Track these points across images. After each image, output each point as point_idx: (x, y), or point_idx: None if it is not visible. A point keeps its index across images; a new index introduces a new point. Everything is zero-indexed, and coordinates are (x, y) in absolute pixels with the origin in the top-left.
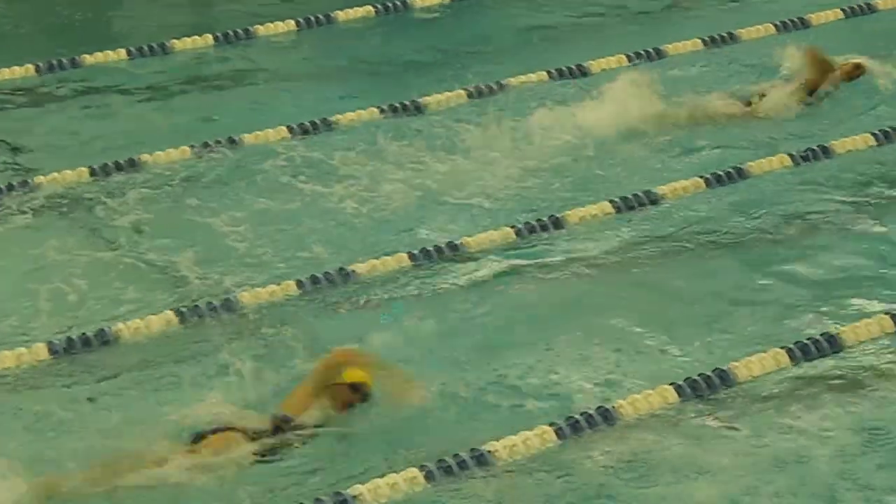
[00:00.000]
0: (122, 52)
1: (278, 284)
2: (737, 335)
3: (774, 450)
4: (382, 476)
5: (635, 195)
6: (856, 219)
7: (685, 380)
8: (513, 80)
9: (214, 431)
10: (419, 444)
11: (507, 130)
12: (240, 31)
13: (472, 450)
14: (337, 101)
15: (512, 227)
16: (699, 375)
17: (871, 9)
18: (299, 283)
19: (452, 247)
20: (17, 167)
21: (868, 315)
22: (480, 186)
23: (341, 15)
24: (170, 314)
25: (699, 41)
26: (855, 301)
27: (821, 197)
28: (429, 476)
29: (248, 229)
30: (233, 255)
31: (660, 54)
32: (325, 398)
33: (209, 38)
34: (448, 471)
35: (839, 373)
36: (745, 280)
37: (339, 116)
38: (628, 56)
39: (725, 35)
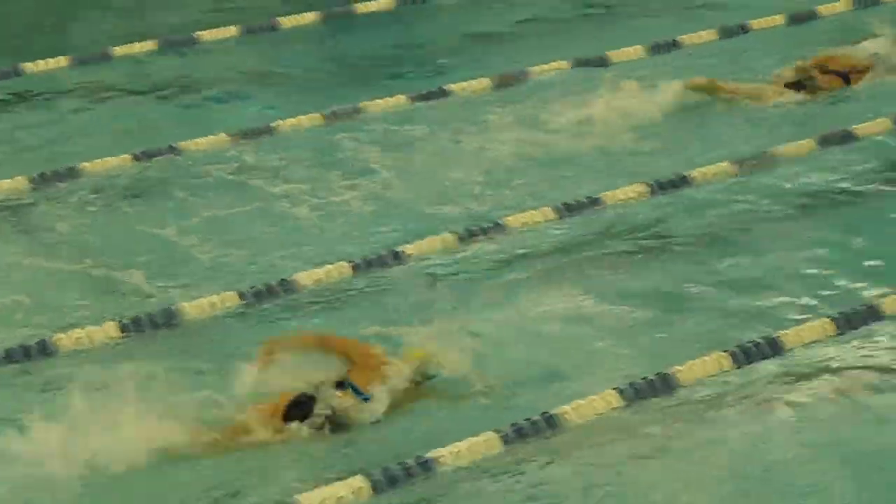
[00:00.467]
0: (63, 59)
1: (220, 294)
2: (679, 339)
3: (713, 453)
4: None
5: (578, 201)
6: (797, 222)
7: (629, 384)
8: (454, 87)
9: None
10: None
11: (454, 136)
12: (182, 37)
13: (417, 457)
14: (280, 107)
15: (454, 233)
16: (643, 379)
17: (876, 2)
18: (241, 294)
19: (395, 255)
20: None
21: (810, 319)
22: (427, 192)
23: (285, 21)
24: (111, 325)
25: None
26: (796, 304)
27: (762, 201)
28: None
29: (190, 237)
30: (176, 262)
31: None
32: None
33: (151, 44)
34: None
35: (781, 376)
36: (685, 284)
37: (281, 122)
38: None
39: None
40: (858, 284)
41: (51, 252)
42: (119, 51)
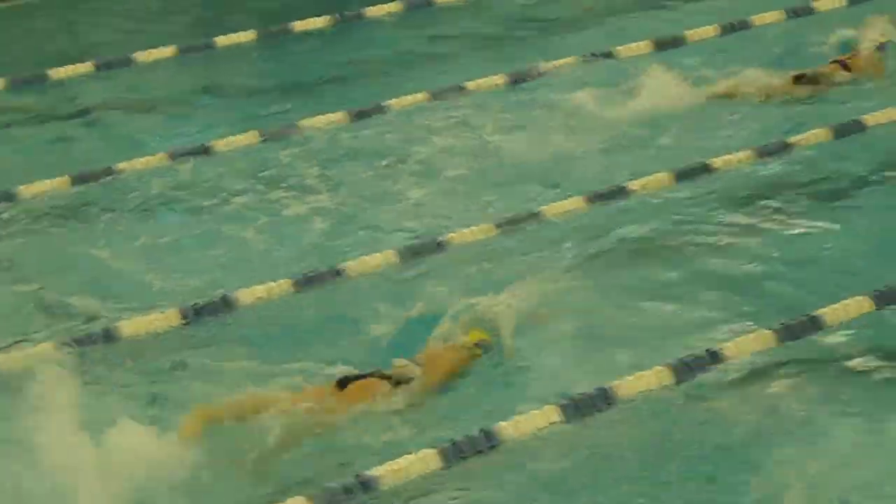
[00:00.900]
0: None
1: (161, 313)
2: (620, 352)
3: (657, 465)
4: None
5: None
6: (737, 233)
7: (569, 399)
8: (394, 102)
9: (359, 377)
10: None
11: (394, 150)
12: (117, 57)
13: (357, 475)
14: (218, 126)
15: (395, 249)
16: (581, 394)
17: None
18: (183, 313)
19: (335, 272)
20: None
21: (749, 331)
22: (373, 211)
23: (222, 40)
24: (48, 346)
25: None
26: (737, 315)
27: (705, 210)
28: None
29: (129, 259)
30: (114, 285)
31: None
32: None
33: (86, 66)
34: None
35: (721, 387)
36: (628, 296)
37: (218, 142)
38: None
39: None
40: None
41: None
42: (54, 73)
